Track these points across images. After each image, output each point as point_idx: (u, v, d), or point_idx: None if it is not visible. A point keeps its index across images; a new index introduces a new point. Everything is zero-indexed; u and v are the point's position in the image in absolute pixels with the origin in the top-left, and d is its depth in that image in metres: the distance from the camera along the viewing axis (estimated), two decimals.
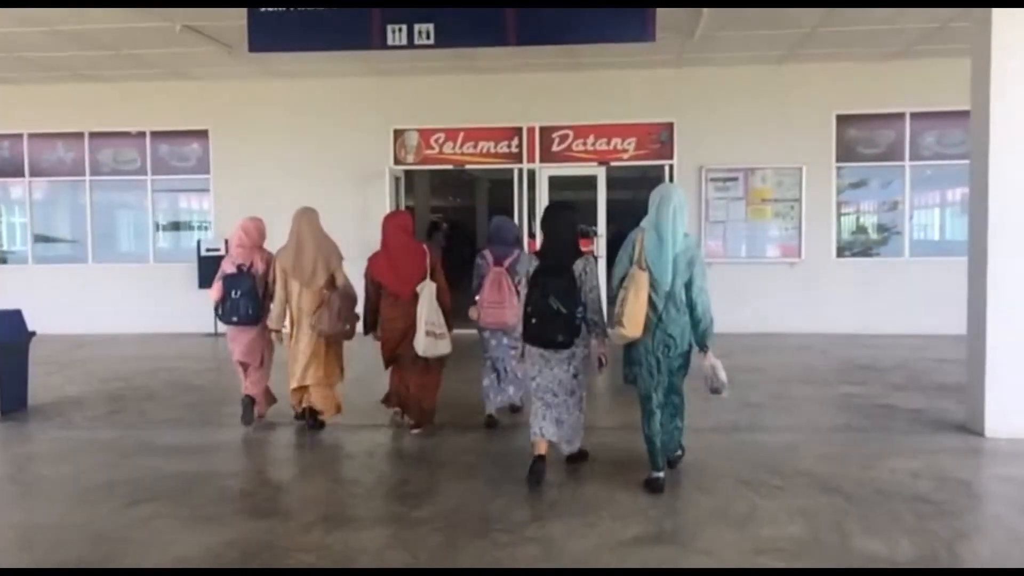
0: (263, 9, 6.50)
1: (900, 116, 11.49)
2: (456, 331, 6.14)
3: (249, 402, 6.42)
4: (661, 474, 4.91)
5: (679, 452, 5.33)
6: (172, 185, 12.71)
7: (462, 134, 12.05)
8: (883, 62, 11.19)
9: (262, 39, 6.61)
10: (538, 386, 5.11)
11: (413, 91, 12.05)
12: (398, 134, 12.11)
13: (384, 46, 6.49)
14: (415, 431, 6.17)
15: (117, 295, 12.37)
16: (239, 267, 6.33)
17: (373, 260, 6.11)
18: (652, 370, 4.88)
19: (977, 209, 6.26)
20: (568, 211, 5.23)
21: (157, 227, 12.69)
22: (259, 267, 6.34)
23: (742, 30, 9.65)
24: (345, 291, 6.17)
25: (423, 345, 5.83)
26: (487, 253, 6.41)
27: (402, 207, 12.39)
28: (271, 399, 6.65)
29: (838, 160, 11.62)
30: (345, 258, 6.39)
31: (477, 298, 6.31)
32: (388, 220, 6.27)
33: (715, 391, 4.94)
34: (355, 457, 5.71)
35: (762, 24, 9.39)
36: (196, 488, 5.00)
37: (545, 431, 5.08)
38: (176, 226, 12.95)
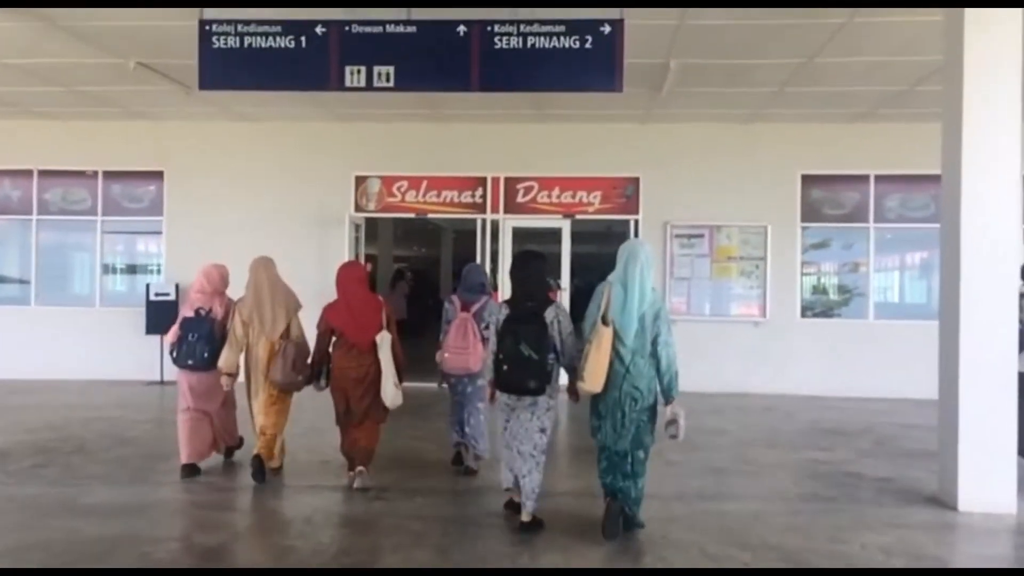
0: (216, 46, 6.21)
1: (864, 178, 11.47)
2: (413, 384, 6.16)
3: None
4: (634, 512, 5.02)
5: (640, 523, 5.13)
6: (123, 227, 12.27)
7: (425, 182, 11.82)
8: (848, 124, 11.20)
9: (213, 76, 6.31)
10: (509, 433, 5.18)
11: (376, 138, 11.83)
12: (360, 181, 11.85)
13: (342, 87, 6.23)
14: (359, 469, 6.03)
15: (60, 339, 11.83)
16: (197, 311, 6.33)
17: (331, 309, 6.03)
18: (617, 423, 4.88)
19: (948, 273, 6.12)
20: (538, 260, 5.31)
21: (105, 269, 12.20)
22: (218, 312, 6.35)
23: (709, 87, 9.58)
24: (298, 341, 6.19)
25: (391, 397, 5.87)
26: (455, 299, 6.53)
27: (362, 255, 12.09)
28: (238, 440, 6.79)
29: (803, 220, 11.55)
30: (303, 306, 6.40)
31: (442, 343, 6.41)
32: (343, 271, 6.24)
33: (672, 436, 4.94)
34: (293, 523, 5.28)
35: (730, 81, 9.33)
36: (114, 556, 4.56)
37: (512, 488, 5.24)
38: (125, 269, 12.48)
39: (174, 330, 6.32)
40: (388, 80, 6.17)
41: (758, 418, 9.46)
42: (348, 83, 6.19)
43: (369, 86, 6.18)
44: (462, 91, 6.52)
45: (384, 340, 5.92)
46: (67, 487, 5.98)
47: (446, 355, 6.31)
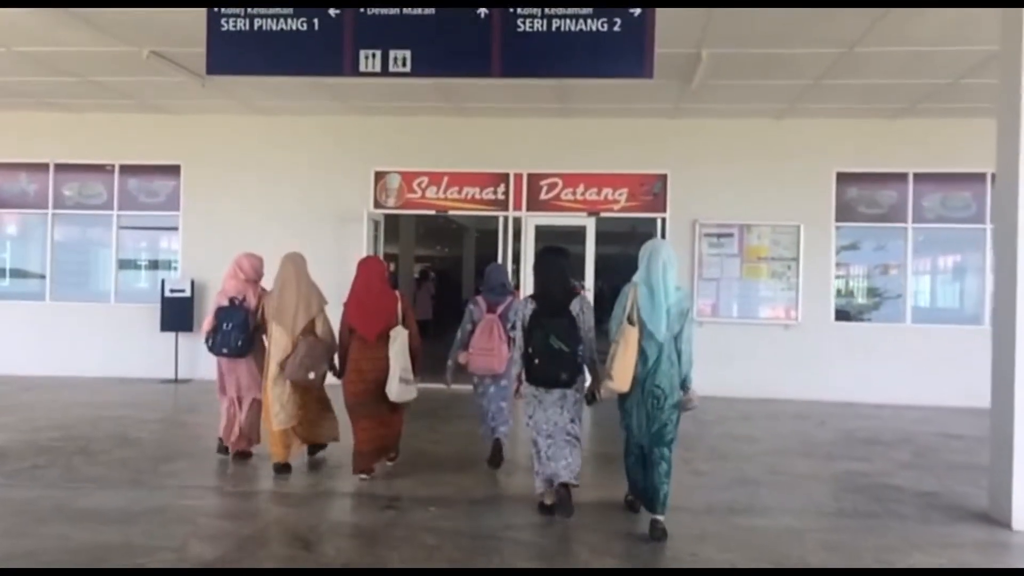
0: (224, 28, 5.92)
1: (903, 176, 11.01)
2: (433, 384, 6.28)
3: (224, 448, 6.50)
4: (661, 517, 4.93)
5: (662, 529, 4.95)
6: (139, 222, 12.05)
7: (446, 178, 11.50)
8: (887, 120, 10.75)
9: (221, 60, 6.02)
10: (533, 426, 5.24)
11: (396, 132, 11.53)
12: (379, 176, 11.55)
13: (356, 72, 5.90)
14: (389, 464, 6.38)
15: (74, 336, 11.64)
16: (232, 300, 6.45)
17: (347, 305, 6.12)
18: (641, 423, 4.97)
19: (1004, 276, 5.68)
20: (561, 255, 5.41)
21: (121, 265, 11.97)
22: (252, 301, 6.46)
23: (742, 79, 9.18)
24: (322, 339, 6.22)
25: (395, 391, 5.85)
26: (480, 300, 6.54)
27: (380, 252, 11.77)
28: (256, 435, 6.67)
29: (837, 219, 11.10)
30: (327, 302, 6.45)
31: (468, 345, 6.41)
32: (361, 264, 6.33)
33: (686, 408, 5.07)
34: (297, 533, 4.95)
35: (763, 73, 8.93)
36: (104, 567, 4.26)
37: (549, 475, 5.17)
38: (141, 264, 12.25)
39: (209, 319, 6.45)
40: (404, 65, 5.85)
41: (790, 425, 9.04)
42: (363, 68, 5.88)
43: (384, 71, 5.86)
44: (482, 77, 6.18)
45: (397, 335, 5.94)
46: (65, 490, 5.71)
47: (471, 355, 6.31)
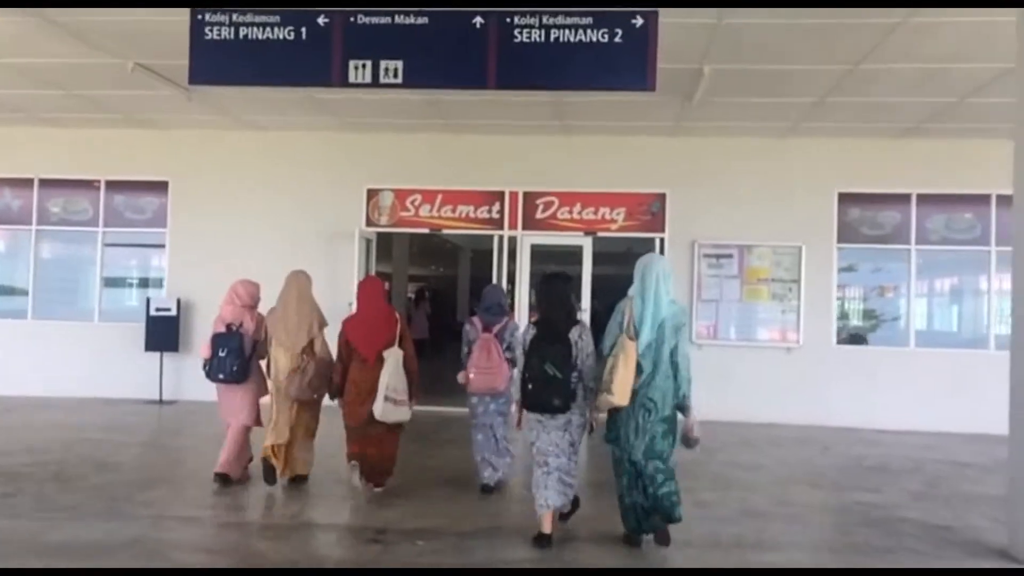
0: (208, 37, 5.67)
1: (906, 197, 10.78)
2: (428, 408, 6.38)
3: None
4: (642, 537, 5.08)
5: (678, 517, 5.03)
6: (125, 239, 11.75)
7: (440, 196, 11.24)
8: (891, 140, 10.54)
9: (205, 69, 5.77)
10: (538, 450, 5.22)
11: (389, 149, 11.28)
12: (372, 194, 11.29)
13: (345, 83, 5.66)
14: (377, 490, 6.22)
15: (57, 355, 11.29)
16: (228, 326, 6.45)
17: (348, 322, 6.21)
18: (630, 434, 4.96)
19: (1022, 299, 5.41)
20: (563, 281, 5.43)
21: (106, 283, 11.66)
22: (248, 327, 6.46)
23: (744, 96, 8.96)
24: (320, 357, 6.27)
25: (380, 410, 5.84)
26: (476, 320, 6.54)
27: (372, 271, 11.49)
28: (245, 462, 6.63)
29: (840, 241, 10.86)
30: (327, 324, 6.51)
31: (467, 365, 6.38)
32: (363, 285, 6.48)
33: (686, 445, 5.08)
34: (274, 571, 4.64)
35: (767, 90, 8.71)
36: None
37: (551, 500, 5.14)
38: (126, 282, 11.95)
39: (206, 346, 6.46)
40: (396, 76, 5.60)
41: (794, 452, 8.75)
42: (352, 79, 5.64)
43: (375, 82, 5.62)
44: (477, 88, 5.90)
45: (391, 355, 5.98)
46: (34, 521, 5.39)
47: (471, 375, 6.29)
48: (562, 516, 5.39)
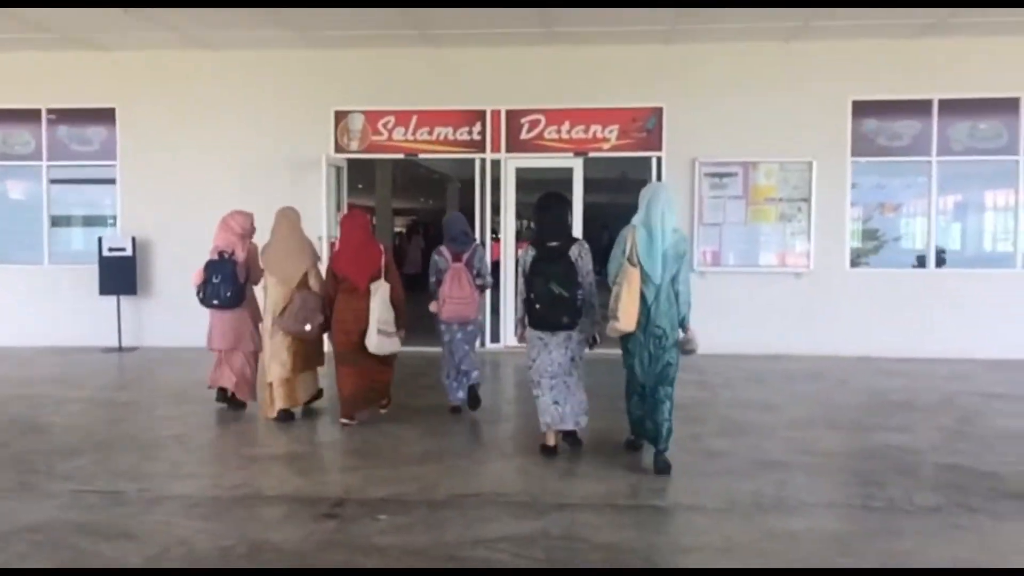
0: None
1: (927, 104, 9.79)
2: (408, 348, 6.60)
3: (222, 394, 6.80)
4: (665, 449, 5.07)
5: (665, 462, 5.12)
6: (72, 173, 10.75)
7: (415, 118, 10.23)
8: (911, 39, 9.51)
9: None
10: (535, 369, 5.36)
11: (358, 67, 10.23)
12: (339, 117, 10.27)
13: None
14: (383, 411, 6.54)
15: (5, 302, 10.42)
16: (220, 253, 6.58)
17: (336, 256, 6.43)
18: (644, 363, 5.07)
19: None
20: (560, 200, 5.56)
21: (54, 222, 10.70)
22: (240, 255, 6.59)
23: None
24: (312, 292, 6.33)
25: (375, 343, 5.98)
26: (444, 250, 6.56)
27: (343, 202, 10.56)
28: (252, 390, 6.77)
29: (854, 154, 9.88)
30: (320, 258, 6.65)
31: (438, 295, 6.46)
32: (347, 219, 6.60)
33: (687, 351, 5.16)
34: (204, 560, 3.83)
35: None
36: None
37: (553, 420, 5.34)
38: (75, 221, 10.98)
39: (199, 272, 6.55)
40: None
41: (808, 387, 7.96)
42: None
43: None
44: None
45: (378, 288, 6.08)
46: None
47: (444, 304, 6.39)
48: (566, 435, 5.52)
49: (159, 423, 6.42)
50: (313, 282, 6.37)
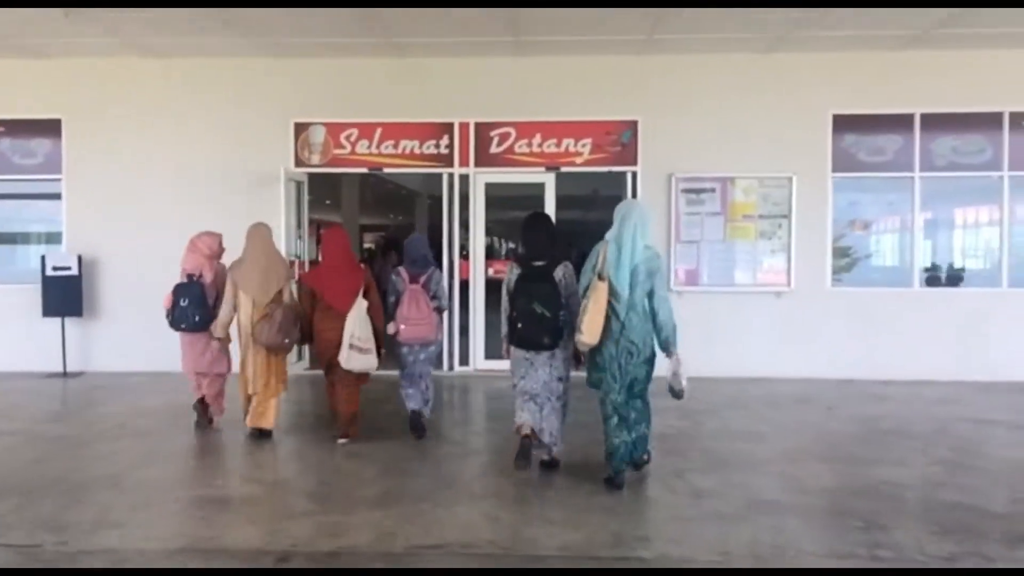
0: None
1: (909, 118, 9.48)
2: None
3: (202, 408, 6.78)
4: (622, 473, 5.10)
5: (646, 457, 5.45)
6: (13, 188, 10.10)
7: (380, 130, 9.74)
8: (893, 52, 9.21)
9: None
10: (522, 389, 5.38)
11: (319, 76, 9.72)
12: (300, 129, 9.76)
13: None
14: (342, 441, 6.26)
15: None
16: (189, 276, 6.58)
17: (313, 274, 6.52)
18: (615, 376, 5.07)
19: None
20: (546, 220, 5.65)
21: None
22: (207, 277, 6.59)
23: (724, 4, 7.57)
24: (288, 305, 6.36)
25: (346, 357, 6.04)
26: (402, 271, 6.55)
27: (303, 219, 10.04)
28: (221, 408, 6.84)
29: (835, 170, 9.55)
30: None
31: (396, 316, 6.42)
32: (330, 237, 6.52)
33: (675, 395, 5.10)
34: None
35: None
36: None
37: (529, 419, 5.31)
38: (18, 239, 10.31)
39: (168, 296, 6.54)
40: None
41: (793, 414, 7.55)
42: None
43: None
44: None
45: (357, 306, 6.11)
46: None
47: (402, 327, 6.36)
48: (543, 463, 5.49)
49: (92, 461, 5.83)
50: (287, 298, 6.40)
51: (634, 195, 9.46)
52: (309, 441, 6.49)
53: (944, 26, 8.31)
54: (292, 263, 8.68)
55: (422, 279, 6.45)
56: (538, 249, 5.38)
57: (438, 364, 8.24)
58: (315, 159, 9.78)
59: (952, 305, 9.44)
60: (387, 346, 6.41)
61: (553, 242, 5.48)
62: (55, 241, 9.96)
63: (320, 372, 6.54)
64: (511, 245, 11.40)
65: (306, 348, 9.44)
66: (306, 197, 10.12)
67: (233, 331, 6.51)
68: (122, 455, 5.96)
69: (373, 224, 27.84)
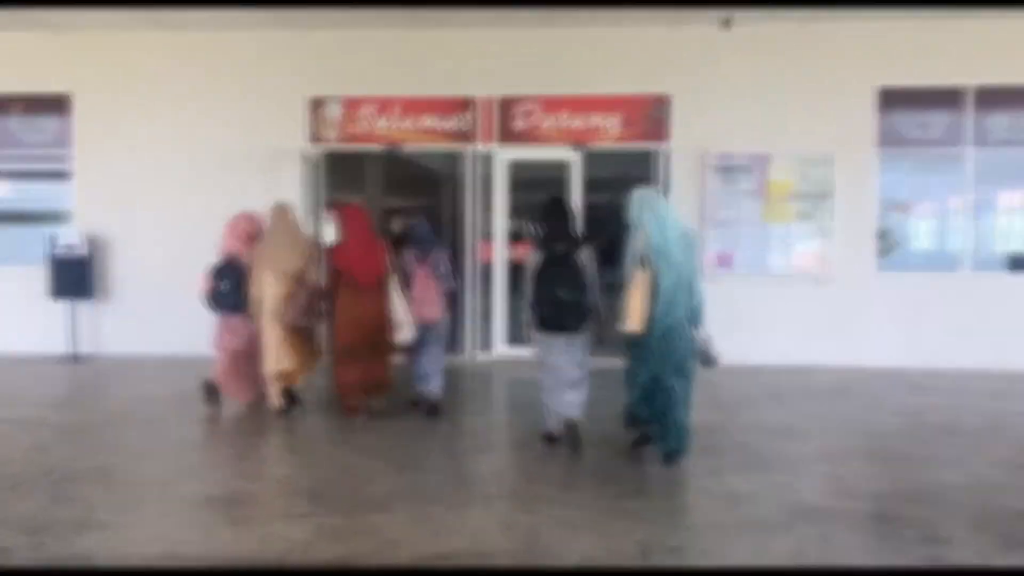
0: None
1: (961, 91, 8.89)
2: None
3: (212, 388, 6.68)
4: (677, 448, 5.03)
5: (678, 449, 5.11)
6: (22, 165, 9.81)
7: (398, 106, 9.34)
8: (942, 20, 8.61)
9: None
10: (547, 366, 5.47)
11: (336, 50, 9.32)
12: (316, 104, 9.37)
13: None
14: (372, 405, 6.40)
15: None
16: (228, 257, 6.58)
17: (338, 251, 6.25)
18: (664, 354, 4.97)
19: None
20: (566, 204, 5.63)
21: (0, 218, 9.79)
22: (246, 259, 6.53)
23: None
24: (314, 284, 6.40)
25: (407, 331, 6.20)
26: (411, 254, 6.53)
27: (319, 198, 9.65)
28: (246, 390, 6.76)
29: (880, 145, 8.99)
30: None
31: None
32: (351, 214, 6.38)
33: (706, 363, 5.10)
34: None
35: None
36: None
37: (560, 411, 5.42)
38: (24, 218, 10.03)
39: (206, 277, 6.56)
40: None
41: (834, 407, 7.05)
42: None
43: None
44: None
45: (393, 281, 6.25)
46: None
47: (413, 305, 6.37)
48: (568, 427, 5.46)
49: (86, 452, 5.49)
50: (312, 277, 6.43)
51: (666, 174, 8.98)
52: (317, 430, 6.12)
53: None
54: (316, 244, 8.34)
55: (429, 259, 6.51)
56: (558, 233, 5.40)
57: (456, 349, 8.51)
58: (331, 135, 9.38)
59: (1004, 290, 8.88)
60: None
61: (574, 226, 5.50)
62: (62, 221, 9.64)
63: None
64: (534, 228, 10.95)
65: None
66: (323, 176, 9.70)
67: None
68: (119, 445, 5.64)
69: (400, 207, 27.48)
